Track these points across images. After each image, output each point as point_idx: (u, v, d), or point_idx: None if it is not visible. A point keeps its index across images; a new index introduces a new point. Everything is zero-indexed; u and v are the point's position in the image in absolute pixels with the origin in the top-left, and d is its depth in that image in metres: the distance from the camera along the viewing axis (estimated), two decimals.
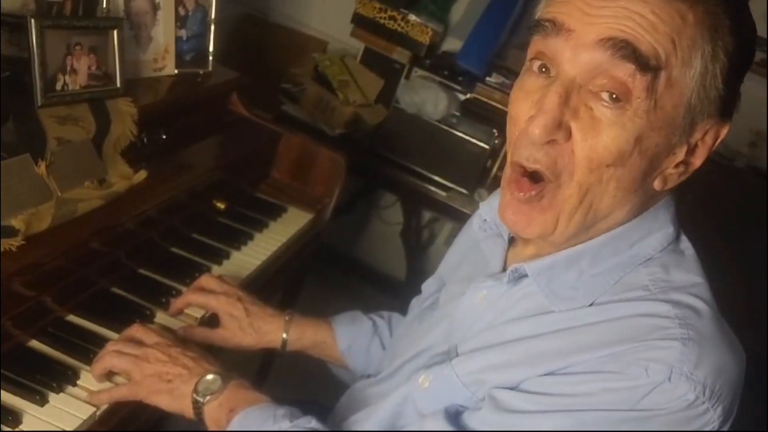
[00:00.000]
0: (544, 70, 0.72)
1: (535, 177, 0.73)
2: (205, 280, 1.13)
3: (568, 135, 0.69)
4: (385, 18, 2.36)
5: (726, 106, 0.71)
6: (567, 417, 0.69)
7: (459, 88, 2.29)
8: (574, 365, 0.71)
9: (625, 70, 0.66)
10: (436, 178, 2.24)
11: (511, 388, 0.74)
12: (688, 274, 0.76)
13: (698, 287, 0.74)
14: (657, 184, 0.73)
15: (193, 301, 1.11)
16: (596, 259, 0.75)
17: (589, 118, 0.68)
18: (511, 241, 0.87)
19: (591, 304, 0.74)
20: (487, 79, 2.26)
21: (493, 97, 2.23)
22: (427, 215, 2.69)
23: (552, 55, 0.70)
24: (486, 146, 2.18)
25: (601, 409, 0.68)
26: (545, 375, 0.72)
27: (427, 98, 2.22)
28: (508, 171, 0.76)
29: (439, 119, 2.23)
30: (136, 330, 0.97)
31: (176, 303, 1.11)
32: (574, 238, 0.76)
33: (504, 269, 0.84)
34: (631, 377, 0.67)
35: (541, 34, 0.71)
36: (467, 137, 2.20)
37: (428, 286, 1.06)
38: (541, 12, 0.73)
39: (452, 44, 2.45)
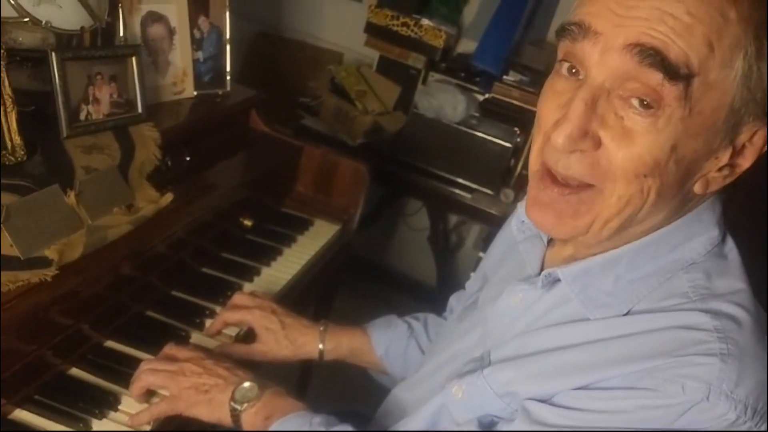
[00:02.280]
0: (573, 71, 0.68)
1: (568, 179, 0.70)
2: (238, 298, 1.14)
3: (597, 144, 0.66)
4: (397, 25, 2.36)
5: None
6: None
7: (476, 88, 2.28)
8: (608, 379, 0.68)
9: (654, 78, 0.62)
10: (460, 181, 2.23)
11: (544, 401, 0.71)
12: (730, 280, 0.72)
13: (740, 294, 0.71)
14: (698, 188, 0.69)
15: (229, 319, 1.12)
16: (634, 263, 0.72)
17: (620, 126, 0.65)
18: (550, 241, 0.84)
19: (628, 312, 0.71)
20: (505, 77, 2.24)
21: (512, 95, 2.21)
22: (453, 219, 2.68)
23: (580, 58, 0.67)
24: (508, 145, 2.16)
25: (635, 429, 0.65)
26: (579, 389, 0.70)
27: (445, 101, 2.21)
28: (536, 166, 0.73)
29: (458, 121, 2.22)
30: (168, 348, 0.99)
31: (213, 325, 1.13)
32: (607, 241, 0.73)
33: (540, 272, 0.81)
34: (667, 395, 0.64)
35: (568, 39, 0.67)
36: (488, 137, 2.19)
37: (472, 283, 1.05)
38: (570, 15, 0.69)
39: (467, 45, 2.44)
